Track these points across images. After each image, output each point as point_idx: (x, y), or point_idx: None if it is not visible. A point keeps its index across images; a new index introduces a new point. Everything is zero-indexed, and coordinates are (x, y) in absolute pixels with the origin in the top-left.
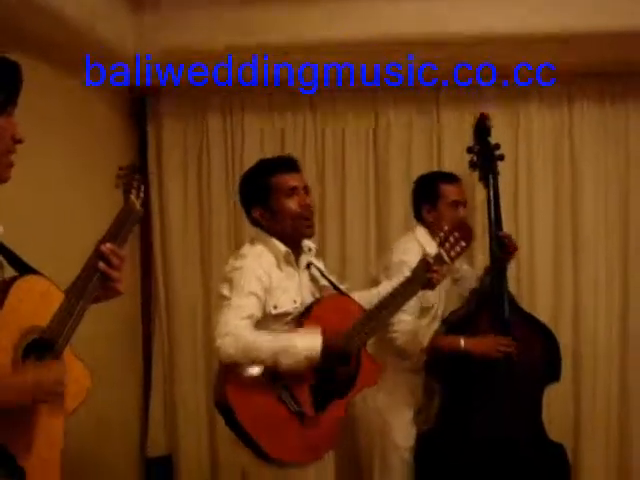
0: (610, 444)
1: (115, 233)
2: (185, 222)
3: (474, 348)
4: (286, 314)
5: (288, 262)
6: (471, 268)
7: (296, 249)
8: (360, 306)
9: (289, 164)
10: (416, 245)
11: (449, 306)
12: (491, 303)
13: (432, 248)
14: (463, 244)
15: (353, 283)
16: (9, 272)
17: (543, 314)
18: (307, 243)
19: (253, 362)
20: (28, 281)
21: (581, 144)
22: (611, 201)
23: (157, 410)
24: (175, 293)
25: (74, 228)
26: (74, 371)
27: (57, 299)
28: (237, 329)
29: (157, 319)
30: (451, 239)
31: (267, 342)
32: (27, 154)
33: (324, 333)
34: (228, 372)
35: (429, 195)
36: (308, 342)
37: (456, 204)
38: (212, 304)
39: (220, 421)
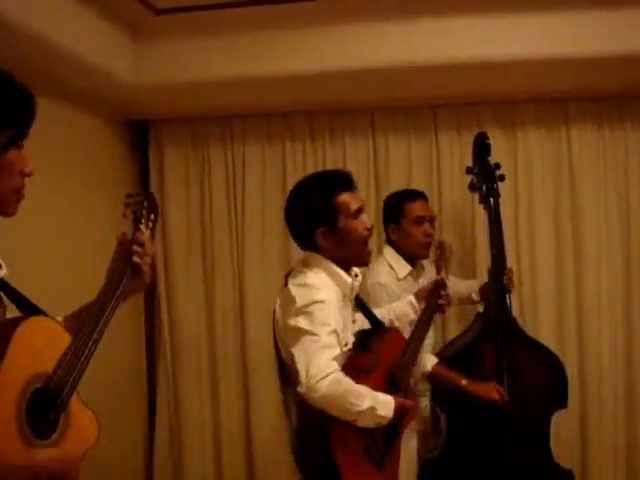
0: (618, 468)
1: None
2: (188, 252)
3: (474, 392)
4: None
5: (346, 293)
6: (454, 277)
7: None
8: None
9: (350, 181)
10: (385, 266)
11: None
12: (495, 332)
13: (400, 267)
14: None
15: None
16: (12, 312)
17: (547, 336)
18: (355, 269)
19: (343, 410)
20: (32, 323)
21: (579, 167)
22: (612, 221)
23: (162, 454)
24: (179, 325)
25: (73, 261)
26: (80, 422)
27: (65, 341)
28: (337, 372)
29: (162, 358)
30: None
31: (365, 392)
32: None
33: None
34: (330, 424)
35: (393, 215)
36: (387, 407)
37: (420, 220)
38: (216, 341)
39: (227, 468)
